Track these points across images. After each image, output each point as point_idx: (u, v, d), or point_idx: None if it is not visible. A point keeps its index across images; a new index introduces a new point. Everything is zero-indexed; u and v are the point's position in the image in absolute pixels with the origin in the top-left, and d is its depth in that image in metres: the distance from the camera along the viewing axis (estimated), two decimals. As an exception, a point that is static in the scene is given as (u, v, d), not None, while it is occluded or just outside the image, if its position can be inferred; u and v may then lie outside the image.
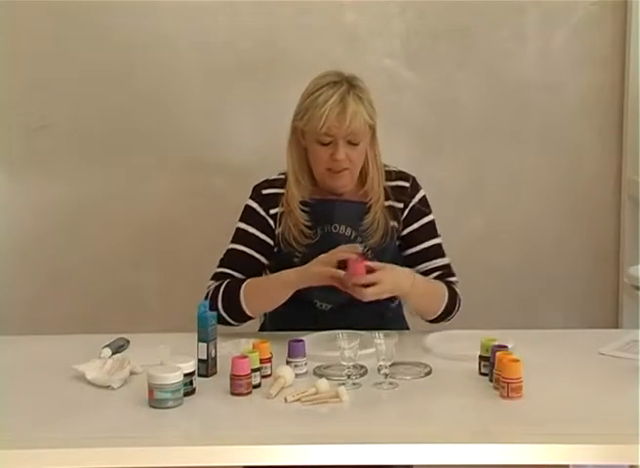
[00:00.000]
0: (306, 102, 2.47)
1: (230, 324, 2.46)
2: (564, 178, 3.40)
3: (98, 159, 3.35)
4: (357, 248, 2.41)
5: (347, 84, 2.45)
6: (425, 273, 2.55)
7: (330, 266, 2.33)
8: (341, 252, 2.36)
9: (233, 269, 2.52)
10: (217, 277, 2.53)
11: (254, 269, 2.53)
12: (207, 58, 3.31)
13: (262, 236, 2.54)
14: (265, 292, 2.47)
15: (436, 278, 2.55)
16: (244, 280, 2.47)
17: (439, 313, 2.50)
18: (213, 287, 2.49)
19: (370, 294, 2.32)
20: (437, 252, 2.58)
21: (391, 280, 2.34)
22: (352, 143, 2.45)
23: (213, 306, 2.38)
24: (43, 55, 3.30)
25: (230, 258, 2.55)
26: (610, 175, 3.39)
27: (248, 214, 2.57)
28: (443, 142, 3.38)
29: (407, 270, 2.43)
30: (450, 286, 2.55)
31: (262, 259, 2.55)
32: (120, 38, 3.28)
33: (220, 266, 2.55)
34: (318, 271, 2.35)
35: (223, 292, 2.46)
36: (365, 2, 3.29)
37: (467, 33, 3.31)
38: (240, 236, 2.56)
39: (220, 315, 2.35)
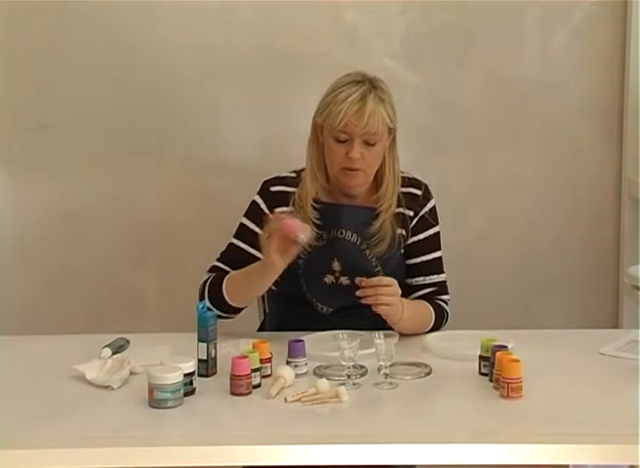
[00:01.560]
0: (327, 99, 2.45)
1: (220, 316, 2.42)
2: (564, 178, 3.40)
3: (98, 159, 3.35)
4: (282, 216, 2.34)
5: (370, 84, 2.44)
6: (419, 287, 2.55)
7: (275, 248, 2.29)
8: (274, 231, 2.29)
9: (229, 265, 2.51)
10: (211, 270, 2.54)
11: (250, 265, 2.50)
12: (207, 59, 3.31)
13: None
14: (245, 284, 2.44)
15: (429, 294, 2.55)
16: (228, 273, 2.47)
17: (424, 332, 2.49)
18: (203, 280, 2.50)
19: (384, 306, 2.35)
20: (436, 267, 2.57)
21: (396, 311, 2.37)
22: (369, 143, 2.43)
23: (201, 299, 2.42)
24: (43, 55, 3.30)
25: (228, 253, 2.55)
26: (610, 176, 3.39)
27: (252, 210, 2.56)
28: (443, 142, 3.38)
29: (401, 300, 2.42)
30: (440, 305, 2.54)
31: (261, 256, 2.54)
32: (120, 38, 3.28)
33: (218, 260, 2.55)
34: (271, 259, 2.30)
35: (209, 285, 2.47)
36: (365, 2, 3.29)
37: (467, 33, 3.31)
38: (241, 231, 2.56)
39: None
